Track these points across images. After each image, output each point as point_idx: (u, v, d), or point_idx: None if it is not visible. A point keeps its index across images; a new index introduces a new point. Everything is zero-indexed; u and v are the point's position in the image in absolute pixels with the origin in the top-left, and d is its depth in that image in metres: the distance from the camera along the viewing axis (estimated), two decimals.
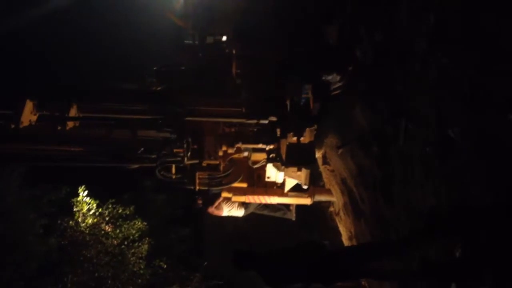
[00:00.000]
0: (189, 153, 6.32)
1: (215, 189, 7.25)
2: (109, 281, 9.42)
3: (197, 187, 6.80)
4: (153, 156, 6.48)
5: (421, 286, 4.23)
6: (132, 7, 14.19)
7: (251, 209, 8.79)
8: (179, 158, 6.36)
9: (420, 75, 3.99)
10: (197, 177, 6.73)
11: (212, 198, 8.41)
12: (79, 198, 9.71)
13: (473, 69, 3.35)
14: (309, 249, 4.64)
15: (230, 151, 6.79)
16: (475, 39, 3.36)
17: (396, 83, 4.44)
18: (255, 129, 6.80)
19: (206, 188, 6.95)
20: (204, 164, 6.67)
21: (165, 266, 10.54)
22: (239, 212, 8.75)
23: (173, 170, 6.81)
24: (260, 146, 6.80)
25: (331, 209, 9.12)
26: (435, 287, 3.98)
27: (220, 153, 6.72)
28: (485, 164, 3.25)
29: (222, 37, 9.82)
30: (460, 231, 3.57)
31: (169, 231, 12.23)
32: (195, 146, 6.47)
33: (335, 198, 7.98)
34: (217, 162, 6.75)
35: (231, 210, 8.63)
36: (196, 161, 6.57)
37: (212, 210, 8.55)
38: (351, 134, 6.09)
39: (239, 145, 6.77)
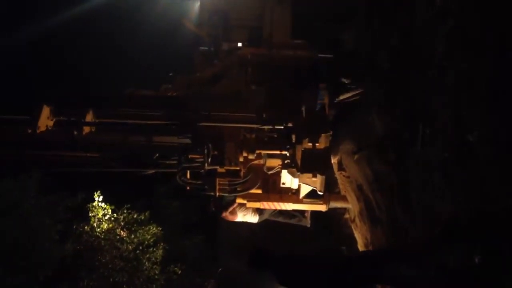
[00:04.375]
0: (209, 159, 6.33)
1: (234, 195, 7.27)
2: (124, 286, 9.45)
3: (218, 193, 6.82)
4: (168, 162, 6.49)
5: None
6: (149, 14, 14.32)
7: (265, 216, 8.76)
8: (199, 164, 6.38)
9: (438, 80, 3.94)
10: (217, 183, 6.75)
11: (226, 204, 8.42)
12: (95, 204, 9.77)
13: (491, 73, 3.30)
14: (327, 255, 4.61)
15: (251, 157, 6.78)
16: (493, 43, 3.31)
17: (413, 88, 4.40)
18: (275, 135, 6.79)
19: (226, 194, 6.97)
20: (223, 170, 6.68)
21: (179, 271, 10.53)
22: (254, 219, 8.74)
23: (188, 176, 6.82)
24: (281, 152, 6.78)
25: (347, 216, 9.04)
26: None
27: (241, 159, 6.72)
28: (505, 169, 3.19)
29: (237, 43, 9.84)
30: (479, 238, 3.50)
31: (183, 236, 12.23)
32: (215, 152, 6.48)
33: (350, 205, 7.91)
34: (238, 168, 6.75)
35: (245, 215, 8.63)
36: (216, 167, 6.58)
37: (226, 215, 8.56)
38: (368, 139, 6.04)
39: (259, 151, 6.76)
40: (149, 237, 10.18)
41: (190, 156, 6.45)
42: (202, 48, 10.12)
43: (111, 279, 9.42)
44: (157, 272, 9.95)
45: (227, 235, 13.01)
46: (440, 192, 4.07)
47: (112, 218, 9.94)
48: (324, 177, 6.60)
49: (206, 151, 6.26)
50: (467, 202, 3.64)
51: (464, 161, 3.63)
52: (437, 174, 4.12)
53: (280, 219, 8.82)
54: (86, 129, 6.30)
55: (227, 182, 6.87)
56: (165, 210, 12.70)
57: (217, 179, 6.76)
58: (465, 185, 3.67)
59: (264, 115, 6.60)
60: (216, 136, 6.56)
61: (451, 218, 3.85)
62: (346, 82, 5.98)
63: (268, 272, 4.65)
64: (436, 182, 4.15)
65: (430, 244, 4.31)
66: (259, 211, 8.56)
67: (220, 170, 6.72)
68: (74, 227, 9.60)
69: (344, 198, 8.00)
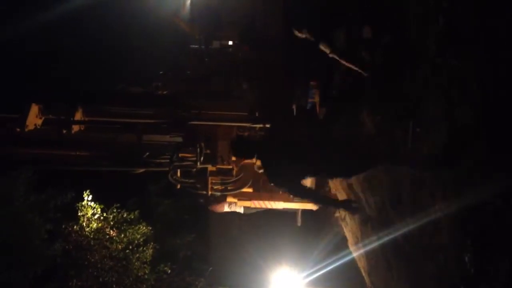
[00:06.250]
0: (201, 158, 6.31)
1: (226, 194, 7.29)
2: (114, 286, 9.37)
3: (210, 192, 6.81)
4: (159, 161, 6.46)
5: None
6: (139, 12, 14.22)
7: (252, 209, 8.80)
8: (191, 163, 6.36)
9: (430, 77, 3.94)
10: (209, 181, 6.74)
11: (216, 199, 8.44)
12: (84, 203, 9.68)
13: (483, 71, 3.30)
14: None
15: None
16: (485, 41, 3.31)
17: (404, 85, 4.40)
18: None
19: (218, 193, 6.97)
20: (215, 168, 6.67)
21: (169, 271, 10.47)
22: (240, 209, 8.80)
23: (178, 174, 6.79)
24: None
25: (337, 214, 9.06)
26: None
27: (233, 158, 6.70)
28: (496, 166, 3.20)
29: (228, 41, 9.81)
30: (469, 235, 3.51)
31: (174, 236, 12.18)
32: (208, 151, 6.46)
33: None
34: (230, 167, 6.73)
35: (231, 205, 8.67)
36: (209, 166, 6.57)
37: (213, 207, 8.60)
38: (358, 137, 6.03)
39: None
40: (139, 236, 10.10)
41: (181, 154, 6.43)
42: (193, 46, 10.08)
43: (100, 279, 9.34)
44: (146, 271, 9.88)
45: (217, 234, 13.00)
46: (431, 190, 4.08)
47: (102, 218, 9.85)
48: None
49: (198, 149, 6.24)
50: (457, 200, 3.65)
51: (455, 159, 3.63)
52: (428, 172, 4.13)
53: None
54: (76, 127, 6.25)
55: (219, 181, 6.86)
56: (155, 208, 12.64)
57: (209, 178, 6.75)
58: (455, 183, 3.67)
59: (255, 113, 6.59)
60: (208, 134, 6.55)
61: (441, 215, 3.86)
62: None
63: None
64: (427, 180, 4.16)
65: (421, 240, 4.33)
66: None
67: (211, 168, 6.71)
68: (63, 226, 9.50)
69: (335, 197, 8.01)
